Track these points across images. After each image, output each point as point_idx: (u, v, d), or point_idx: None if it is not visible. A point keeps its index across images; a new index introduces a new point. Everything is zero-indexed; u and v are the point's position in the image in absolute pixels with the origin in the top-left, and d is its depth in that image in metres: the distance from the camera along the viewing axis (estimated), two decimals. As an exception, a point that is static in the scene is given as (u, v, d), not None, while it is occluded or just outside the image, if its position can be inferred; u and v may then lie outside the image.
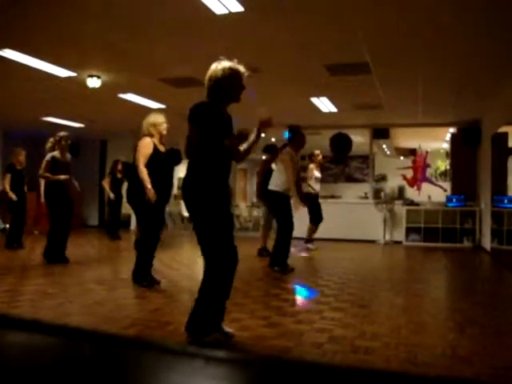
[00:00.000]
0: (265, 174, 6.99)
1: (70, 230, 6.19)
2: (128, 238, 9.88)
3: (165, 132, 4.74)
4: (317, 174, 8.24)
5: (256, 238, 7.83)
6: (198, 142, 2.80)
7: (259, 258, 6.84)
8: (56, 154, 6.00)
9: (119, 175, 9.79)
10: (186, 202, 2.86)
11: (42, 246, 6.10)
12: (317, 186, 8.23)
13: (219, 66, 2.86)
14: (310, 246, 8.22)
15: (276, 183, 5.90)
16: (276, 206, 5.94)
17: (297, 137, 6.11)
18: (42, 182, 6.25)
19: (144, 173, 4.54)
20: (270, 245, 6.24)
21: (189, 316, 2.84)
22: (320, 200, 8.44)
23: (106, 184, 9.94)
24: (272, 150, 7.24)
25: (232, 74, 2.85)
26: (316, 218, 8.12)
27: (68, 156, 6.18)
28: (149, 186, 4.50)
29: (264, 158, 7.64)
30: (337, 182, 16.07)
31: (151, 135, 4.66)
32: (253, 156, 7.69)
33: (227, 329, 2.93)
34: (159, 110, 5.00)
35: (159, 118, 4.74)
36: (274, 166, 6.93)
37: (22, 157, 7.53)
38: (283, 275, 5.53)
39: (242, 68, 2.91)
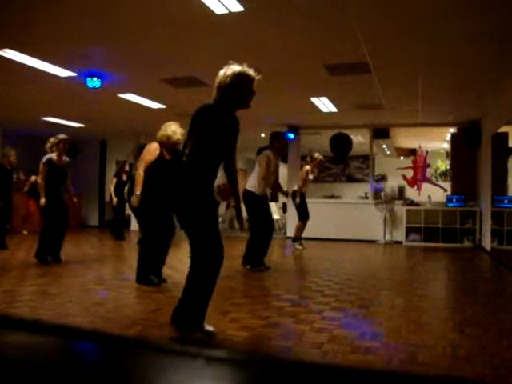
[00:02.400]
0: None
1: (66, 232, 6.16)
2: (129, 238, 9.88)
3: (176, 146, 4.76)
4: (310, 176, 8.30)
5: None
6: (194, 144, 2.77)
7: None
8: (53, 156, 6.00)
9: (124, 177, 9.66)
10: (178, 199, 2.84)
11: (29, 245, 6.08)
12: (306, 188, 8.31)
13: (228, 71, 2.80)
14: (296, 245, 8.27)
15: (252, 184, 5.93)
16: (250, 207, 5.96)
17: (277, 142, 6.18)
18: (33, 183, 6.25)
19: (139, 177, 4.62)
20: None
21: (174, 310, 2.85)
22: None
23: (111, 186, 9.83)
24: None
25: (242, 79, 2.80)
26: (303, 216, 8.21)
27: (65, 159, 6.17)
28: (138, 192, 4.59)
29: None
30: (337, 182, 16.07)
31: (162, 143, 4.69)
32: (253, 157, 7.74)
33: (208, 327, 2.92)
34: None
35: (177, 134, 4.70)
36: None
37: (13, 157, 7.54)
38: (257, 273, 5.61)
39: (252, 72, 2.84)
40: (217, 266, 2.82)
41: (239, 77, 2.79)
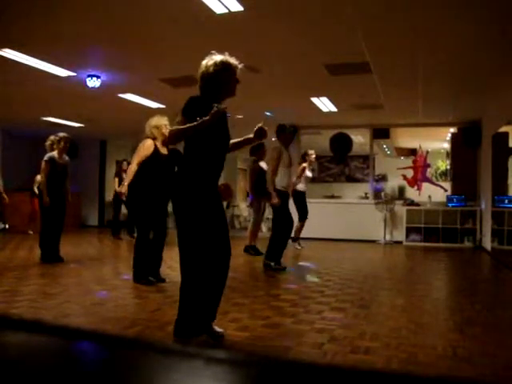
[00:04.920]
0: (257, 174, 7.21)
1: (62, 231, 6.17)
2: (128, 237, 9.87)
3: (167, 134, 4.76)
4: (308, 173, 8.29)
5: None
6: (189, 138, 2.75)
7: (250, 257, 7.03)
8: (54, 154, 6.00)
9: (124, 175, 9.67)
10: (173, 198, 2.81)
11: (30, 245, 6.10)
12: (304, 185, 8.27)
13: (210, 61, 2.81)
14: (296, 245, 8.27)
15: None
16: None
17: (283, 133, 6.07)
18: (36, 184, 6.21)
19: (132, 170, 4.68)
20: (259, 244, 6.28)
21: (175, 320, 2.81)
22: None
23: (116, 186, 9.81)
24: (258, 150, 7.31)
25: (224, 67, 2.80)
26: (303, 215, 8.22)
27: (66, 158, 6.16)
28: (126, 183, 4.73)
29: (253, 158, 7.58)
30: (337, 182, 16.06)
31: (154, 138, 4.70)
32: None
33: (217, 328, 2.91)
34: (161, 113, 5.02)
35: (162, 121, 4.77)
36: (262, 164, 7.24)
37: None
38: (276, 272, 5.62)
39: (233, 60, 2.85)
40: (214, 272, 2.78)
41: (222, 65, 2.80)
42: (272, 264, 5.76)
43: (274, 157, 5.83)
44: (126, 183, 4.69)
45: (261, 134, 2.94)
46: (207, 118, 2.63)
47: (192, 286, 2.74)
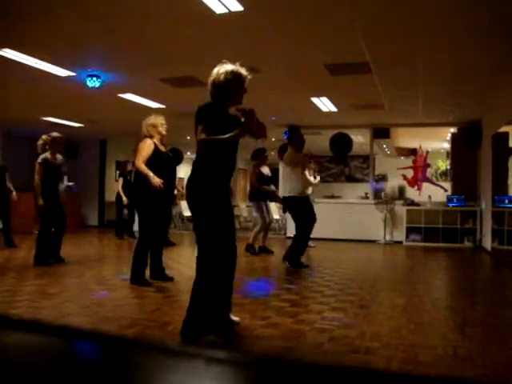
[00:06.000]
0: (258, 179, 7.24)
1: (64, 232, 6.07)
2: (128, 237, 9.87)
3: (164, 132, 4.79)
4: (310, 177, 8.25)
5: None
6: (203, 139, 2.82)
7: (251, 257, 7.03)
8: (47, 155, 5.86)
9: (129, 176, 9.65)
10: (188, 200, 2.94)
11: (30, 245, 6.05)
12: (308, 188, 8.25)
13: (222, 69, 2.91)
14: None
15: (290, 188, 5.93)
16: (297, 211, 6.00)
17: (295, 136, 6.12)
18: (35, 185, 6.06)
19: (143, 167, 4.54)
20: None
21: (183, 320, 2.87)
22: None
23: (119, 187, 9.81)
24: (258, 155, 7.30)
25: (234, 77, 2.90)
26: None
27: (59, 158, 6.01)
28: (151, 174, 4.47)
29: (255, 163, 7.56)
30: (337, 182, 16.07)
31: (151, 136, 4.70)
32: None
33: (234, 317, 3.10)
34: (158, 111, 5.03)
35: (158, 119, 4.78)
36: (263, 169, 7.29)
37: None
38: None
39: (244, 71, 2.95)
40: (228, 267, 2.91)
41: (233, 75, 2.90)
42: (288, 266, 5.87)
43: (297, 163, 5.79)
44: (151, 174, 4.45)
45: (249, 114, 2.87)
46: (239, 131, 2.78)
47: (207, 285, 2.83)
